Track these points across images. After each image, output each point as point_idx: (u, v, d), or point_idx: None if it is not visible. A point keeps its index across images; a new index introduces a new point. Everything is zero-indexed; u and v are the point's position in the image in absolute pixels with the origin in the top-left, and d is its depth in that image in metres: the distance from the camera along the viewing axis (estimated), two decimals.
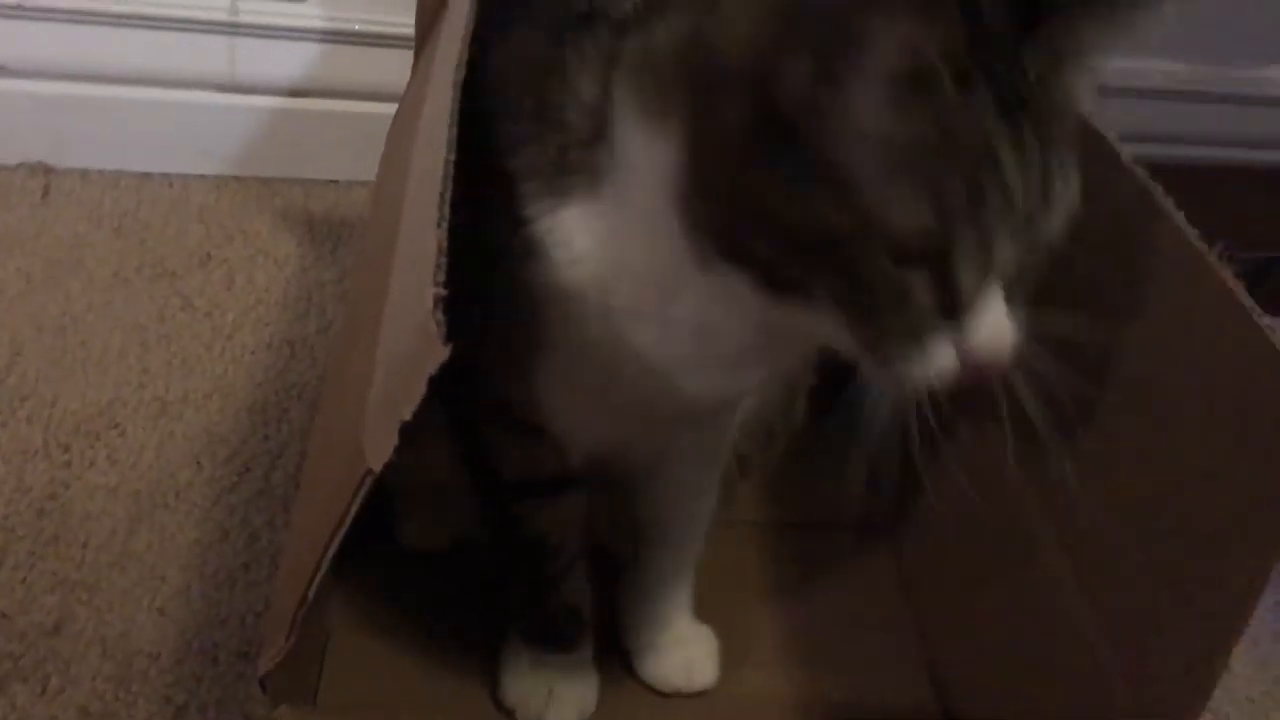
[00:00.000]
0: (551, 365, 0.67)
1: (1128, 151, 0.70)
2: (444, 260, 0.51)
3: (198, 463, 0.93)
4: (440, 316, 0.48)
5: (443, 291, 0.48)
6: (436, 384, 0.76)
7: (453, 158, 0.57)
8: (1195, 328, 0.61)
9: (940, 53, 0.48)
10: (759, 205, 0.52)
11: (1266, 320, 0.55)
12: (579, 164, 0.60)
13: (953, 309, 0.53)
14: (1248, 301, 0.57)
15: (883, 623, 0.90)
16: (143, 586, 0.84)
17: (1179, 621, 0.60)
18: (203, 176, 1.25)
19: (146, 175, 1.23)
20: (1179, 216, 0.63)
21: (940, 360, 0.53)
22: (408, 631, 0.84)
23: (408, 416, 0.48)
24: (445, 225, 0.53)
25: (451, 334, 0.70)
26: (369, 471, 0.50)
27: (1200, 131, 1.47)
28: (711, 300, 0.59)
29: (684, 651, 0.84)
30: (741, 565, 0.92)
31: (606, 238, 0.60)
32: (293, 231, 1.20)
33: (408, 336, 0.51)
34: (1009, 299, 0.54)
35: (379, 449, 0.50)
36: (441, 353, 0.47)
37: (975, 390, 0.59)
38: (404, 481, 0.85)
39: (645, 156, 0.57)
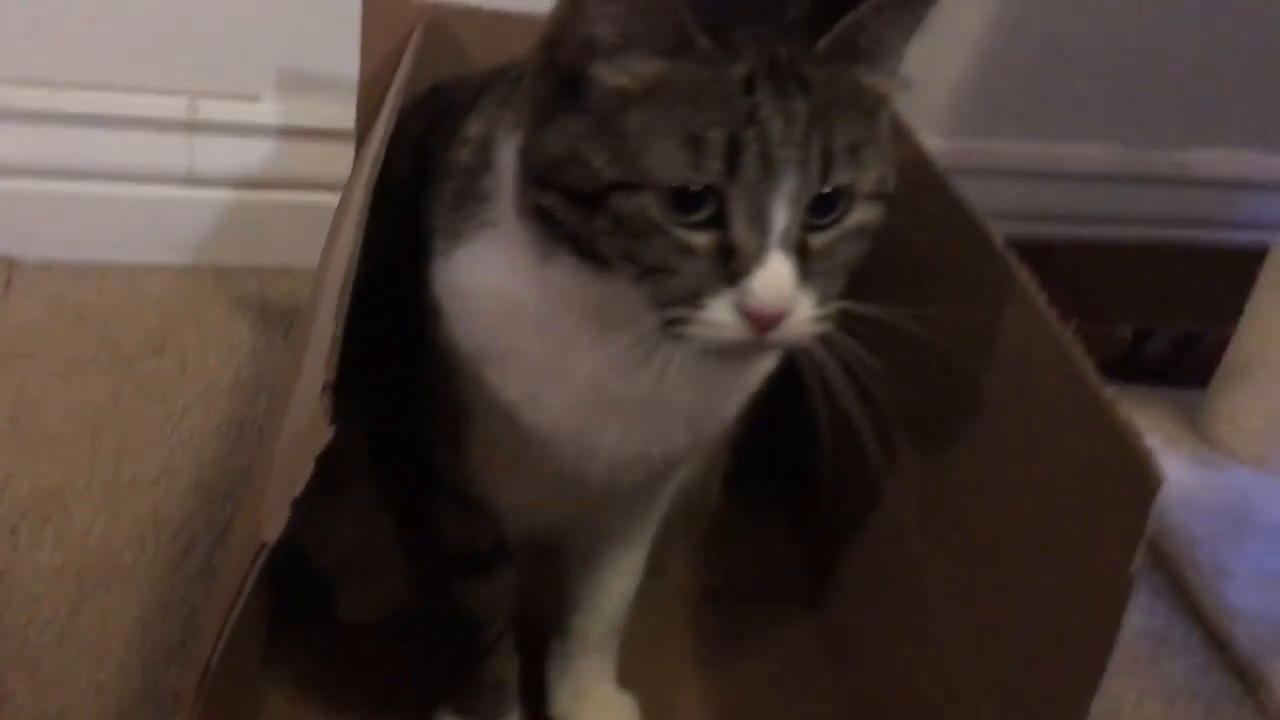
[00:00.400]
0: (477, 435, 0.71)
1: (1003, 231, 0.74)
2: (338, 348, 0.55)
3: (142, 543, 0.97)
4: (328, 402, 0.52)
5: (331, 377, 0.53)
6: (375, 460, 0.80)
7: (358, 250, 0.62)
8: (1049, 402, 0.65)
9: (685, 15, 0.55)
10: (552, 167, 0.58)
11: (1109, 390, 0.59)
12: (470, 197, 0.65)
13: (733, 273, 0.56)
14: (1094, 376, 0.61)
15: (804, 691, 0.93)
16: (82, 664, 0.86)
17: (1048, 678, 0.63)
18: (161, 266, 1.29)
19: (107, 266, 1.28)
20: (1041, 298, 0.67)
21: (721, 317, 0.57)
22: (342, 702, 0.86)
23: (297, 494, 0.52)
24: (344, 316, 0.57)
25: (389, 409, 0.74)
26: (263, 545, 0.54)
27: (1126, 211, 1.52)
28: (596, 334, 0.62)
29: (606, 718, 0.87)
30: (665, 633, 0.95)
31: (494, 272, 0.64)
32: (246, 318, 1.24)
33: (304, 418, 0.55)
34: (817, 289, 0.58)
35: (273, 523, 0.53)
36: (327, 434, 0.51)
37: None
38: (340, 554, 0.89)
39: (509, 160, 0.62)
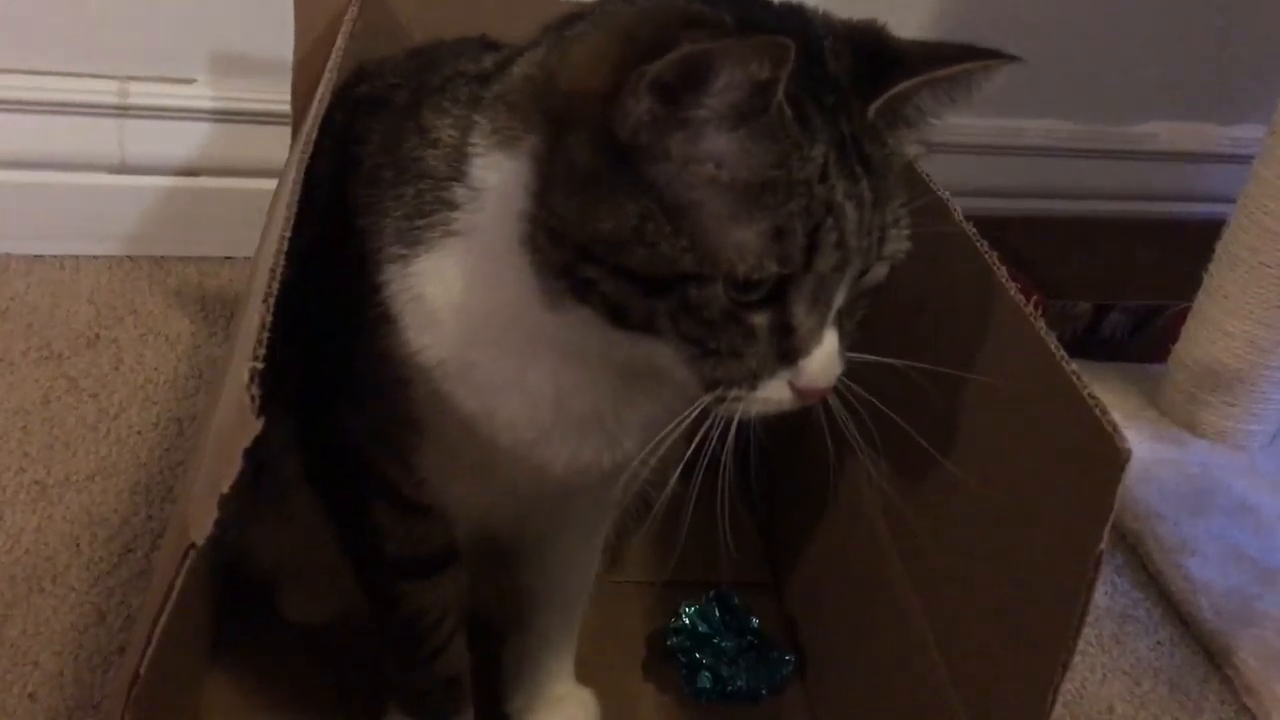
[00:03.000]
0: (427, 444, 0.68)
1: (963, 206, 0.73)
2: (265, 335, 0.52)
3: (77, 545, 0.93)
4: (256, 390, 0.48)
5: (259, 366, 0.49)
6: (310, 464, 0.76)
7: (289, 234, 0.59)
8: (1013, 378, 0.63)
9: (782, 90, 0.51)
10: (605, 243, 0.54)
11: (1073, 365, 0.57)
12: (435, 204, 0.61)
13: (790, 351, 0.56)
14: (1057, 349, 0.59)
15: None
16: (14, 673, 0.83)
17: (1013, 660, 0.62)
18: (94, 257, 1.25)
19: (37, 258, 1.23)
20: (1001, 272, 0.65)
21: (775, 396, 0.57)
22: (290, 702, 0.83)
23: (225, 490, 0.49)
24: (273, 300, 0.54)
25: (325, 413, 0.71)
26: (191, 545, 0.51)
27: (1082, 186, 1.52)
28: (564, 352, 0.60)
29: (564, 713, 0.84)
30: (624, 624, 0.93)
31: (460, 284, 0.61)
32: (185, 309, 1.20)
33: (231, 411, 0.52)
34: (844, 345, 0.58)
35: (201, 523, 0.50)
36: (255, 426, 0.48)
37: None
38: (282, 556, 0.85)
39: (499, 181, 0.58)
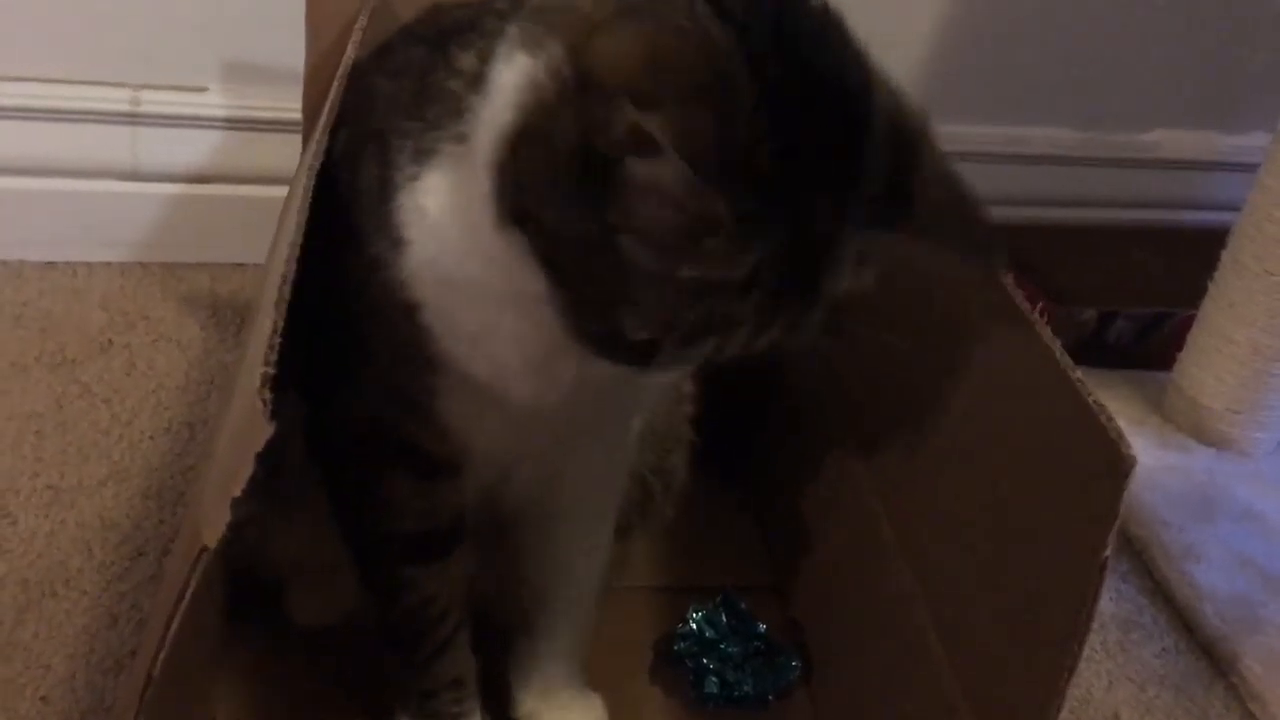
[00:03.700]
0: (443, 383, 0.67)
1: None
2: (278, 340, 0.52)
3: (89, 549, 0.93)
4: (267, 394, 0.49)
5: (271, 371, 0.50)
6: (320, 456, 0.77)
7: (300, 240, 0.59)
8: (1020, 382, 0.63)
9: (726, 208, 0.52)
10: (556, 211, 0.55)
11: (1078, 373, 0.58)
12: (448, 116, 0.61)
13: None
14: (1063, 356, 0.59)
15: None
16: (27, 676, 0.83)
17: (1019, 666, 0.62)
18: (107, 264, 1.26)
19: (50, 264, 1.24)
20: (1008, 279, 0.66)
21: None
22: (299, 706, 0.84)
23: (237, 493, 0.49)
24: (284, 306, 0.55)
25: (341, 391, 0.71)
26: (204, 548, 0.51)
27: (1085, 193, 1.52)
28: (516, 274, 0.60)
29: (572, 717, 0.85)
30: (630, 629, 0.93)
31: (458, 190, 0.61)
32: (196, 315, 1.21)
33: (243, 415, 0.52)
34: None
35: (214, 526, 0.51)
36: (267, 430, 0.48)
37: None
38: (293, 557, 0.86)
39: (513, 77, 0.58)
